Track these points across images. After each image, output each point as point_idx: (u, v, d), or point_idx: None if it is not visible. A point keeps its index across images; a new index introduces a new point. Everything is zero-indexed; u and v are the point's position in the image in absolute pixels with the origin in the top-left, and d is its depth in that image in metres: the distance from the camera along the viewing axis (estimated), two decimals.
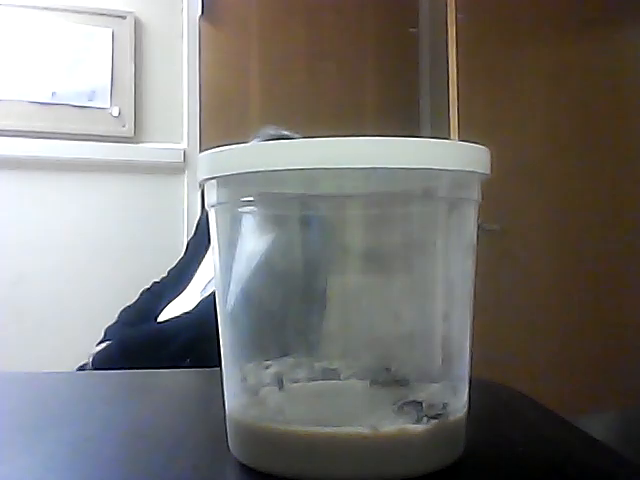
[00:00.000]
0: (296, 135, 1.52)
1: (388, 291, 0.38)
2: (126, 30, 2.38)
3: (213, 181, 0.37)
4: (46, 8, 2.30)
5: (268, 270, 0.39)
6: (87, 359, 1.45)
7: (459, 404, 0.37)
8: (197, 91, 2.45)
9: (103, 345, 1.47)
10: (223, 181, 0.37)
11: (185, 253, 1.79)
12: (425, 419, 0.34)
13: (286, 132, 1.56)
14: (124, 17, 2.38)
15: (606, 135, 2.44)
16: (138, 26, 2.41)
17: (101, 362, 1.41)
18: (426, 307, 0.38)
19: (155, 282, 1.73)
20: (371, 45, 2.69)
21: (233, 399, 0.38)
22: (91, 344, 1.52)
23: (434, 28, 2.67)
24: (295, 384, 0.39)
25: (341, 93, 2.62)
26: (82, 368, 1.45)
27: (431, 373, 0.38)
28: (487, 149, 0.37)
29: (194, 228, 1.91)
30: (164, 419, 0.49)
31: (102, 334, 1.56)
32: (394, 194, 0.36)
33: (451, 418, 0.36)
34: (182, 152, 2.40)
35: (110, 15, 2.37)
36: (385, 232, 0.37)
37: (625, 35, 2.52)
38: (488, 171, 0.37)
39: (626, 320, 2.40)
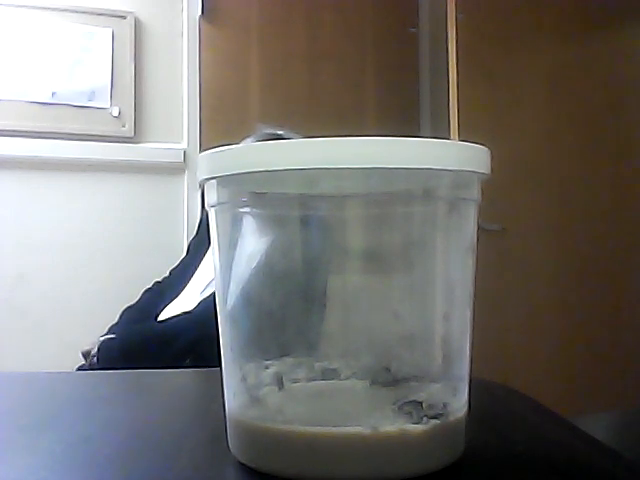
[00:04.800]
0: (292, 134, 1.52)
1: (388, 291, 0.38)
2: (126, 30, 2.38)
3: (213, 181, 0.37)
4: (46, 8, 2.30)
5: (268, 270, 0.39)
6: (93, 346, 1.46)
7: (459, 404, 0.37)
8: (197, 91, 2.45)
9: (109, 336, 1.48)
10: (223, 181, 0.37)
11: (187, 253, 1.80)
12: (425, 419, 0.34)
13: (281, 131, 1.56)
14: (124, 17, 2.38)
15: (606, 135, 2.44)
16: (138, 26, 2.41)
17: (103, 355, 1.42)
18: (426, 307, 0.38)
19: (157, 282, 1.74)
20: (371, 45, 2.69)
21: (233, 399, 0.38)
22: (91, 344, 1.52)
23: (434, 28, 2.67)
24: (295, 384, 0.39)
25: (341, 93, 2.62)
26: (85, 359, 1.47)
27: (431, 373, 0.38)
28: (487, 149, 0.37)
29: (196, 228, 1.91)
30: (164, 419, 0.49)
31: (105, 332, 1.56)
32: (394, 194, 0.36)
33: (451, 418, 0.36)
34: (182, 152, 2.40)
35: (110, 15, 2.37)
36: (385, 232, 0.37)
37: (625, 35, 2.52)
38: (488, 171, 0.37)
39: (626, 320, 2.40)
